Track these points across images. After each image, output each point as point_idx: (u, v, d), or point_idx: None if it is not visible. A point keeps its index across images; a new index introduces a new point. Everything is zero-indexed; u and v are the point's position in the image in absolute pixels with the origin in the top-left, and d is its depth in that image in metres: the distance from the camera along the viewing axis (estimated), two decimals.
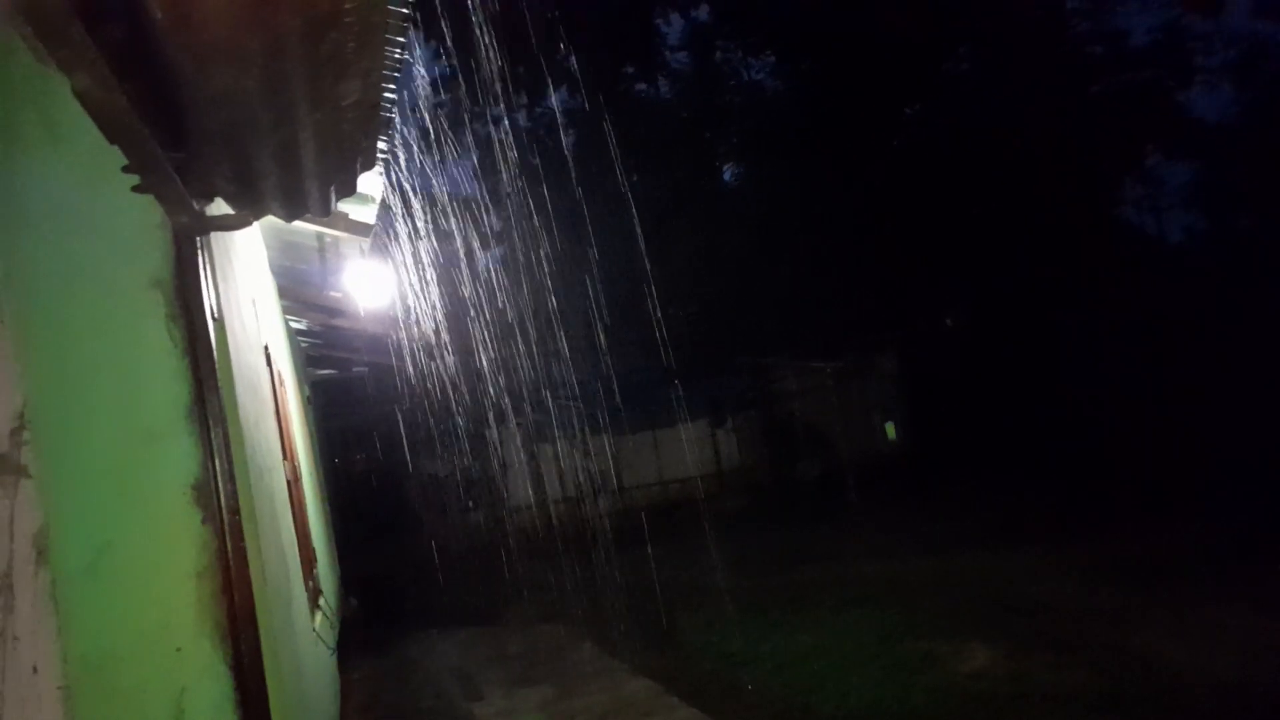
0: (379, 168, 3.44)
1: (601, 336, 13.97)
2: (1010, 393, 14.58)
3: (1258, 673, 5.00)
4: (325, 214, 2.90)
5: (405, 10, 2.09)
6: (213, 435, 2.43)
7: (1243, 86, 22.19)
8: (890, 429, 15.72)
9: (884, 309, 17.31)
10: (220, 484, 2.44)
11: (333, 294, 7.49)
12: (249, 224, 2.70)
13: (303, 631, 4.32)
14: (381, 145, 2.81)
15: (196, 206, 2.40)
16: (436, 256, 9.62)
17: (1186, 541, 7.93)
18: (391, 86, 2.36)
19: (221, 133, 2.09)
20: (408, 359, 9.74)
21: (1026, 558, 8.56)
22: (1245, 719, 4.49)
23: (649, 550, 11.70)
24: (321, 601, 5.92)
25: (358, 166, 2.71)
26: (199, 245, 2.47)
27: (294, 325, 8.41)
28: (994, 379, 15.00)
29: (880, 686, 5.88)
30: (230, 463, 2.50)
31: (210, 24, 1.58)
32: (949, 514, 11.38)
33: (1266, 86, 21.42)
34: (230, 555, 2.43)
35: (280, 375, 5.39)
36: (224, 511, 2.42)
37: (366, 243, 6.08)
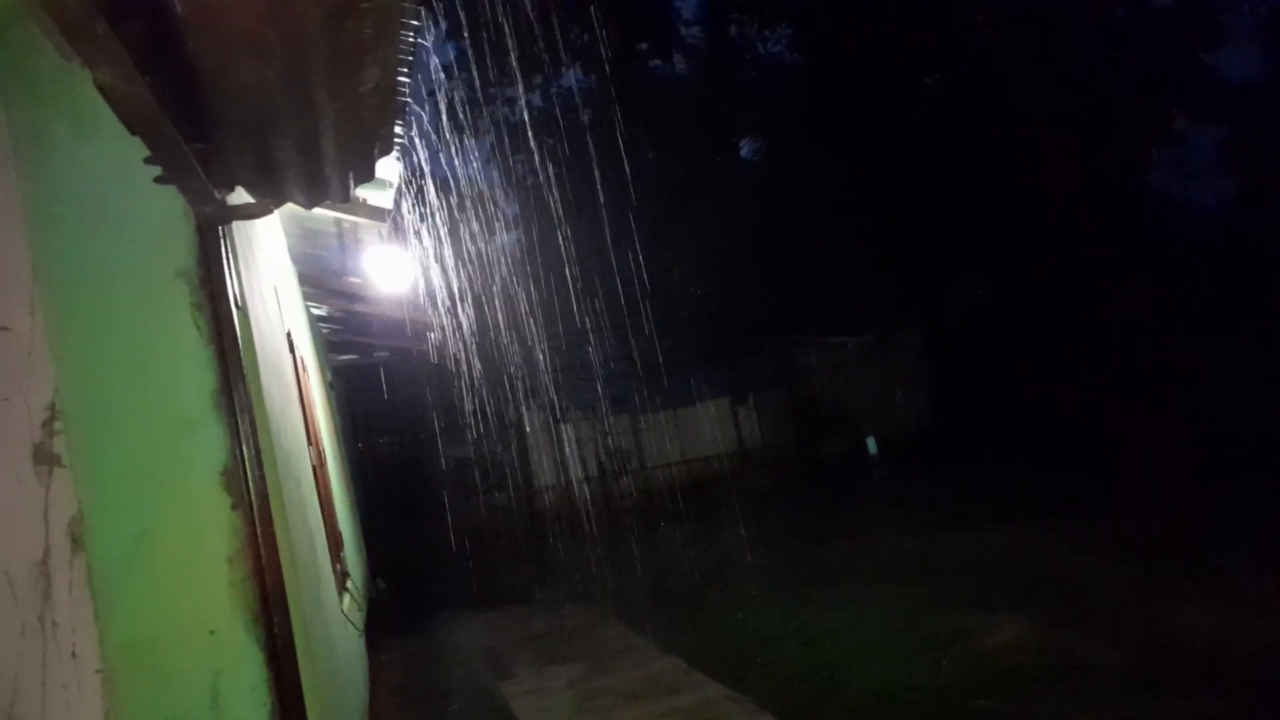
0: (395, 152, 3.46)
1: (623, 316, 13.97)
2: (1037, 367, 14.41)
3: None
4: (345, 200, 2.91)
5: None
6: (240, 423, 2.46)
7: (1271, 47, 21.63)
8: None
9: (907, 284, 17.14)
10: (249, 470, 2.47)
11: (352, 280, 7.53)
12: (270, 212, 2.72)
13: (332, 613, 4.39)
14: (398, 130, 2.82)
15: (218, 196, 2.42)
16: (454, 239, 9.64)
17: (1216, 515, 7.83)
18: (406, 71, 2.36)
19: (244, 124, 2.10)
20: (429, 342, 9.80)
21: (1053, 533, 8.49)
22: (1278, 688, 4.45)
23: (674, 529, 11.76)
24: (349, 584, 6.00)
25: (376, 152, 2.72)
26: (222, 234, 2.50)
27: (315, 312, 8.47)
28: (1020, 354, 14.83)
29: (909, 661, 5.88)
30: (258, 449, 2.53)
31: (231, 16, 1.59)
32: (974, 490, 11.32)
33: None
34: (260, 540, 2.47)
35: (303, 361, 5.44)
36: (253, 497, 2.46)
37: (384, 227, 6.11)
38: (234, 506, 2.39)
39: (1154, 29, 19.29)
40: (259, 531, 2.45)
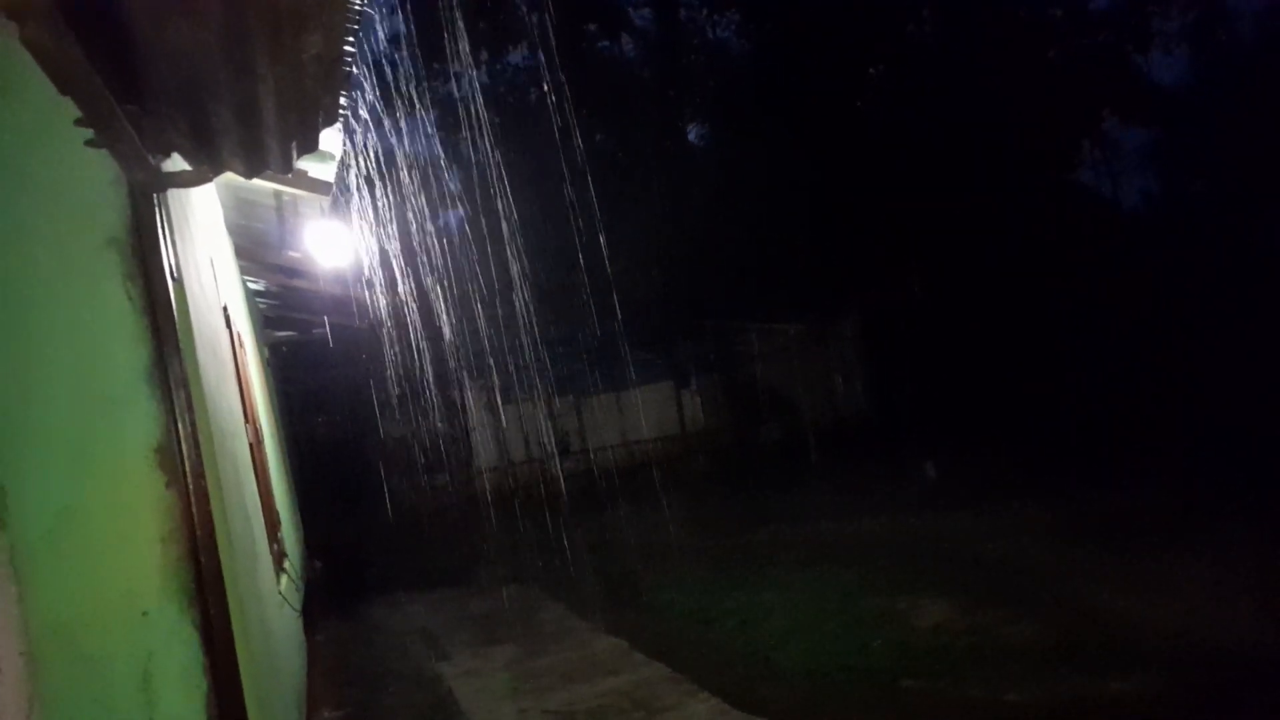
0: (338, 125, 3.37)
1: (567, 298, 13.90)
2: (972, 357, 14.80)
3: (1205, 623, 5.19)
4: (286, 171, 2.83)
5: None
6: (175, 398, 2.38)
7: (1198, 51, 22.45)
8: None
9: (847, 272, 17.42)
10: (184, 448, 2.40)
11: (291, 254, 7.33)
12: (208, 180, 2.63)
13: (269, 594, 4.30)
14: (342, 101, 2.75)
15: (153, 162, 2.32)
16: (396, 217, 9.45)
17: (1146, 502, 8.12)
18: (351, 40, 2.30)
19: (180, 86, 2.02)
20: (369, 320, 9.61)
21: (985, 518, 8.73)
22: (1191, 667, 4.67)
23: (614, 511, 11.79)
24: (286, 564, 5.89)
25: (319, 122, 2.65)
26: (156, 203, 2.40)
27: (251, 286, 8.23)
28: (956, 343, 15.20)
29: (840, 641, 6.02)
30: (193, 426, 2.46)
31: None
32: (910, 476, 11.58)
33: (1220, 51, 21.69)
34: (196, 519, 2.40)
35: (239, 337, 5.29)
36: (188, 475, 2.39)
37: (326, 201, 5.96)
38: (168, 485, 2.32)
39: (1088, 30, 19.85)
40: (194, 511, 2.38)
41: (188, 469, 2.39)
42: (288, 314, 9.95)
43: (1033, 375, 13.73)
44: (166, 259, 2.39)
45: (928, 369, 15.43)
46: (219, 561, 2.48)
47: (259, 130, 2.40)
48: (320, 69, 2.25)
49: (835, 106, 18.10)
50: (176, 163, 2.59)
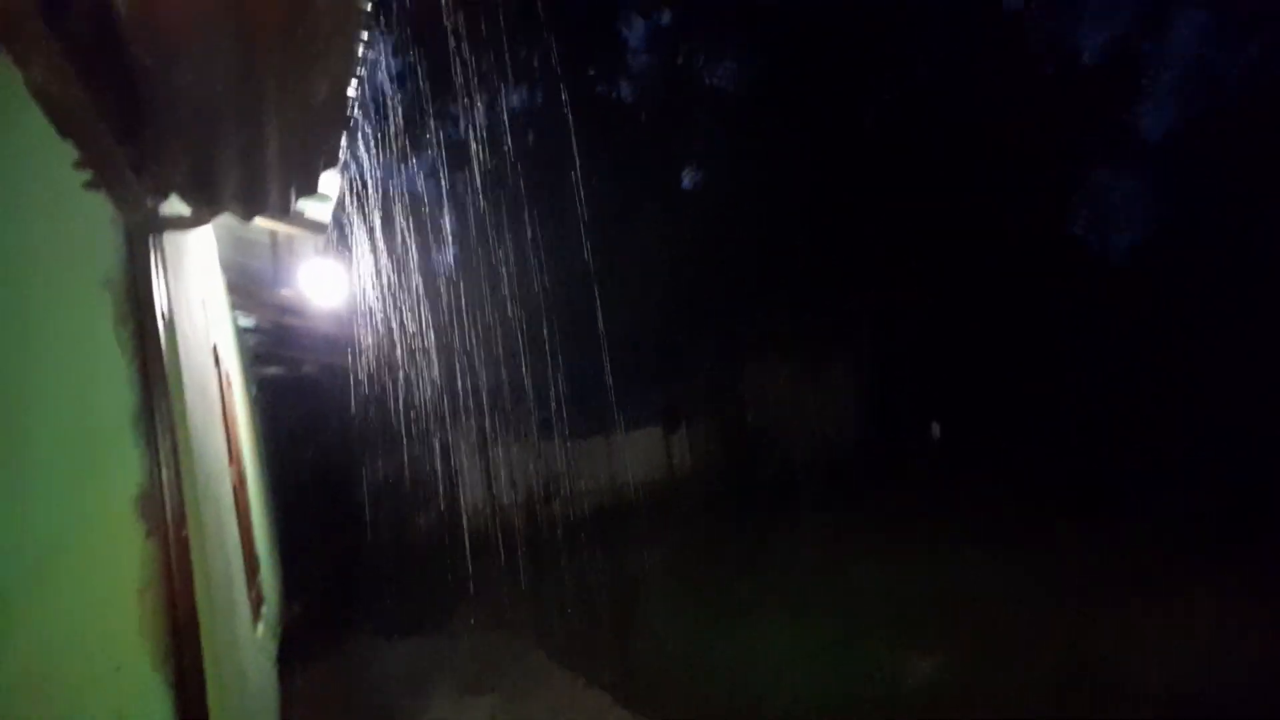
0: (337, 165, 3.35)
1: (558, 337, 13.86)
2: (963, 399, 14.84)
3: (1198, 673, 5.12)
4: (285, 214, 2.81)
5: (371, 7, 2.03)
6: (161, 443, 2.32)
7: (1185, 107, 22.92)
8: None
9: (838, 315, 17.48)
10: (167, 495, 2.33)
11: (284, 291, 7.29)
12: (205, 224, 2.59)
13: (245, 643, 4.18)
14: (342, 142, 2.73)
15: (150, 204, 2.29)
16: (390, 256, 9.44)
17: (1139, 545, 8.10)
18: (356, 84, 2.29)
19: (183, 130, 2.00)
20: (359, 358, 9.54)
21: (979, 561, 8.65)
22: None
23: (602, 554, 11.64)
24: (264, 609, 5.75)
25: (320, 164, 2.63)
26: (151, 245, 2.36)
27: (242, 323, 8.17)
28: (948, 385, 15.24)
29: (829, 692, 5.91)
30: (178, 472, 2.39)
31: (180, 20, 1.50)
32: (902, 517, 11.50)
33: (1206, 108, 22.14)
34: (174, 569, 2.33)
35: (228, 376, 5.22)
36: (170, 524, 2.32)
37: (321, 240, 5.94)
38: (149, 534, 2.25)
39: (1078, 84, 20.23)
40: (173, 561, 2.30)
41: (169, 518, 2.32)
42: (278, 350, 9.87)
43: (1026, 417, 13.77)
44: (159, 302, 2.35)
45: (919, 411, 15.44)
46: (196, 614, 2.39)
47: (260, 174, 2.38)
48: (324, 113, 2.24)
49: (827, 154, 18.32)
50: (174, 204, 2.55)
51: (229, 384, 5.19)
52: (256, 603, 5.25)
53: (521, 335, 12.64)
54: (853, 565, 9.47)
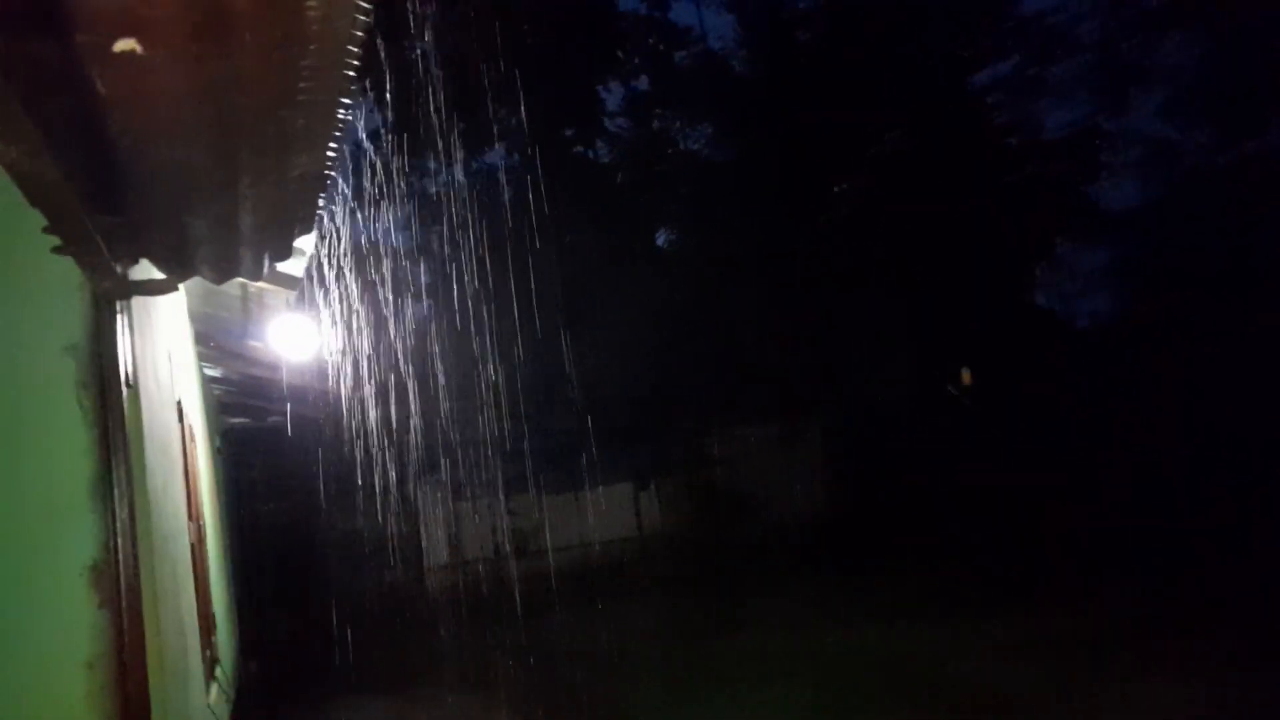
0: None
1: (528, 396, 13.82)
2: (935, 465, 14.94)
3: None
4: (258, 278, 2.81)
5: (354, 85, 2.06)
6: (118, 511, 2.27)
7: (1146, 182, 23.72)
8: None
9: (812, 378, 17.62)
10: (121, 564, 2.28)
11: (253, 343, 7.23)
12: (175, 289, 2.58)
13: (197, 710, 4.05)
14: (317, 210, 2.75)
15: (120, 271, 2.28)
16: (362, 311, 9.43)
17: (1109, 614, 8.14)
18: (334, 156, 2.31)
19: (158, 201, 2.00)
20: (328, 411, 9.43)
21: (947, 631, 8.60)
22: None
23: (571, 615, 11.45)
24: (218, 671, 5.58)
25: (295, 233, 2.64)
26: (119, 309, 2.35)
27: (208, 372, 8.07)
28: (920, 450, 15.36)
29: None
30: (134, 540, 2.34)
31: (157, 100, 1.52)
32: (872, 585, 11.45)
33: (1166, 184, 22.92)
34: (126, 642, 2.26)
35: (191, 430, 5.14)
36: (123, 594, 2.26)
37: (293, 295, 5.92)
38: (100, 605, 2.19)
39: (1042, 159, 20.92)
40: (125, 632, 2.24)
41: (123, 587, 2.26)
42: (244, 400, 9.74)
43: (995, 486, 13.87)
44: (123, 367, 2.32)
45: (891, 476, 15.51)
46: (147, 688, 2.32)
47: (234, 242, 2.38)
48: (303, 185, 2.26)
49: (801, 220, 18.70)
50: (145, 269, 2.55)
51: (192, 437, 5.11)
52: (210, 664, 5.09)
53: (492, 392, 12.60)
54: (824, 632, 9.39)
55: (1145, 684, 6.26)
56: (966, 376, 16.67)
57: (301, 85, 1.76)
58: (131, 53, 1.49)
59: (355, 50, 1.83)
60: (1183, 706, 5.70)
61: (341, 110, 1.99)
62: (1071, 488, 13.17)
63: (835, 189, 20.25)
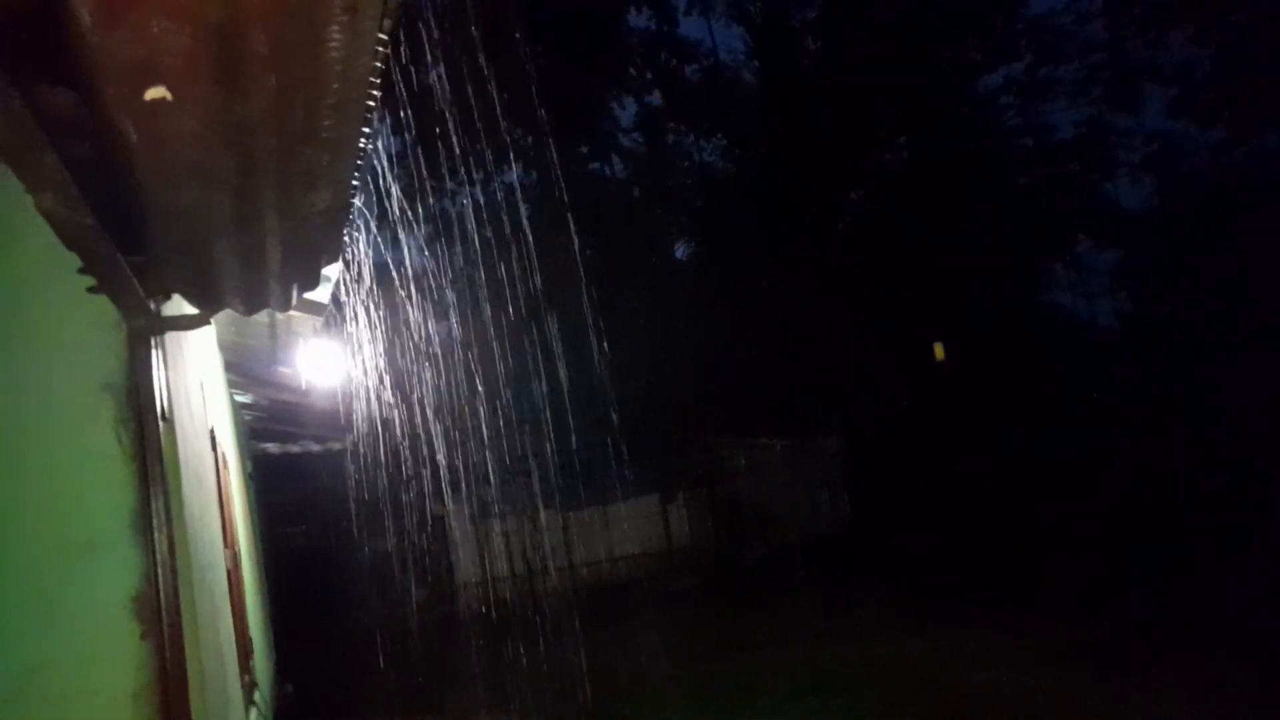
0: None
1: (553, 412, 13.87)
2: (957, 473, 14.81)
3: None
4: (286, 309, 2.86)
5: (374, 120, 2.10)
6: (157, 543, 2.32)
7: (1161, 179, 23.47)
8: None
9: (832, 388, 17.55)
10: (163, 594, 2.32)
11: (282, 369, 7.32)
12: (206, 323, 2.64)
13: None
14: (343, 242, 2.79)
15: (153, 307, 2.34)
16: (386, 333, 9.52)
17: (1125, 625, 8.05)
18: (357, 188, 2.36)
19: (187, 239, 2.05)
20: (356, 433, 9.52)
21: (969, 641, 8.55)
22: None
23: (600, 631, 11.45)
24: (256, 695, 5.64)
25: (321, 263, 2.69)
26: (153, 345, 2.40)
27: (239, 399, 8.18)
28: (941, 459, 15.23)
29: None
30: (174, 570, 2.39)
31: (185, 144, 1.57)
32: (895, 595, 11.38)
33: (1180, 180, 22.69)
34: (169, 671, 2.30)
35: (224, 457, 5.22)
36: (165, 624, 2.30)
37: (319, 321, 6.00)
38: (144, 636, 2.24)
39: (1055, 160, 20.78)
40: (168, 662, 2.28)
41: (165, 617, 2.31)
42: (274, 425, 9.86)
43: (1016, 493, 13.74)
44: (159, 401, 2.38)
45: (912, 486, 15.40)
46: (190, 715, 2.36)
47: (262, 275, 2.44)
48: (327, 219, 2.31)
49: (816, 228, 18.66)
50: (177, 304, 2.60)
51: (225, 464, 5.19)
52: (249, 688, 5.15)
53: (517, 409, 12.66)
54: (848, 645, 9.36)
55: (1155, 693, 6.19)
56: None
57: (324, 124, 1.81)
58: (161, 100, 1.54)
59: (375, 86, 1.88)
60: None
61: (363, 144, 2.03)
62: (1091, 495, 13.04)
63: (850, 196, 20.22)
